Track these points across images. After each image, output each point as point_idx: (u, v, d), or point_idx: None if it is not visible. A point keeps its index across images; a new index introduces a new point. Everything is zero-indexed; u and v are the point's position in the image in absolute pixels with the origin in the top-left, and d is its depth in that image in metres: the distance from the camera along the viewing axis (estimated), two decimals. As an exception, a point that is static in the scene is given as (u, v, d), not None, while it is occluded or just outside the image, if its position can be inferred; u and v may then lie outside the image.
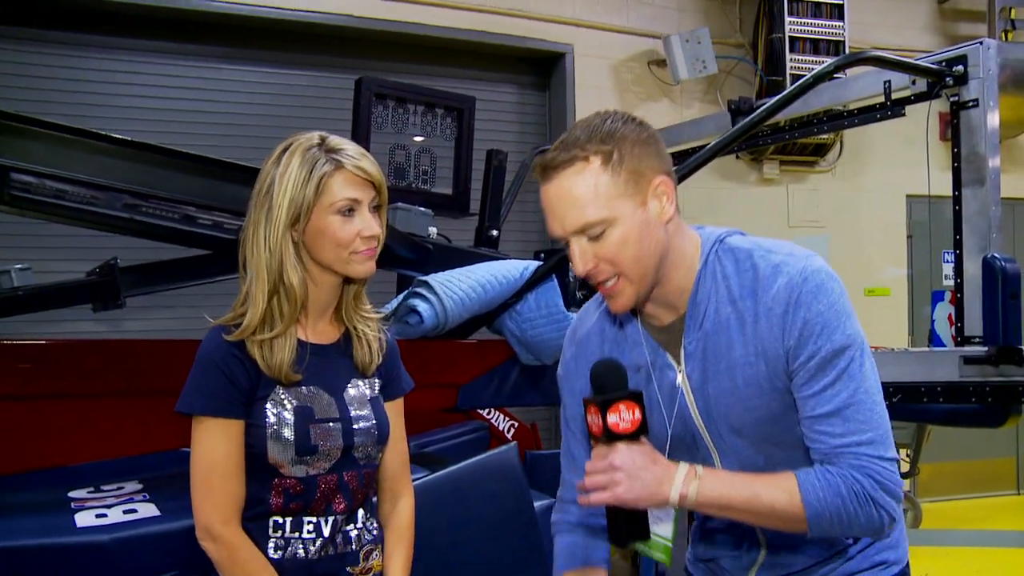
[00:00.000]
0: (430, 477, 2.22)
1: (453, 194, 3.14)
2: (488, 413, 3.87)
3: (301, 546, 1.63)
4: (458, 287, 2.47)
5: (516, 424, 3.76)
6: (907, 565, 1.64)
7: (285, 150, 1.61)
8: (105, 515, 2.17)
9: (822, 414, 1.41)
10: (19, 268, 3.05)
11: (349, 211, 1.60)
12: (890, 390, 2.70)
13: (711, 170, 5.18)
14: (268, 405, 1.59)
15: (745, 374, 1.45)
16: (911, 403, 2.65)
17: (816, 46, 5.91)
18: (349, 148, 1.62)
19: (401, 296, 2.56)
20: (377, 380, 1.73)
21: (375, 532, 1.72)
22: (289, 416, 1.60)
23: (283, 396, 1.61)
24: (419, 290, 2.44)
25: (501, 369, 2.80)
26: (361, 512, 1.69)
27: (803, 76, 5.49)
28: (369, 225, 1.62)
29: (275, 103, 5.17)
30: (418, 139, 3.58)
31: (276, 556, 1.61)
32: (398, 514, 1.78)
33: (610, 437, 1.42)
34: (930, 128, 3.34)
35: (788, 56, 5.80)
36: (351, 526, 1.67)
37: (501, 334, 2.72)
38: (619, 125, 1.44)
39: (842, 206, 6.34)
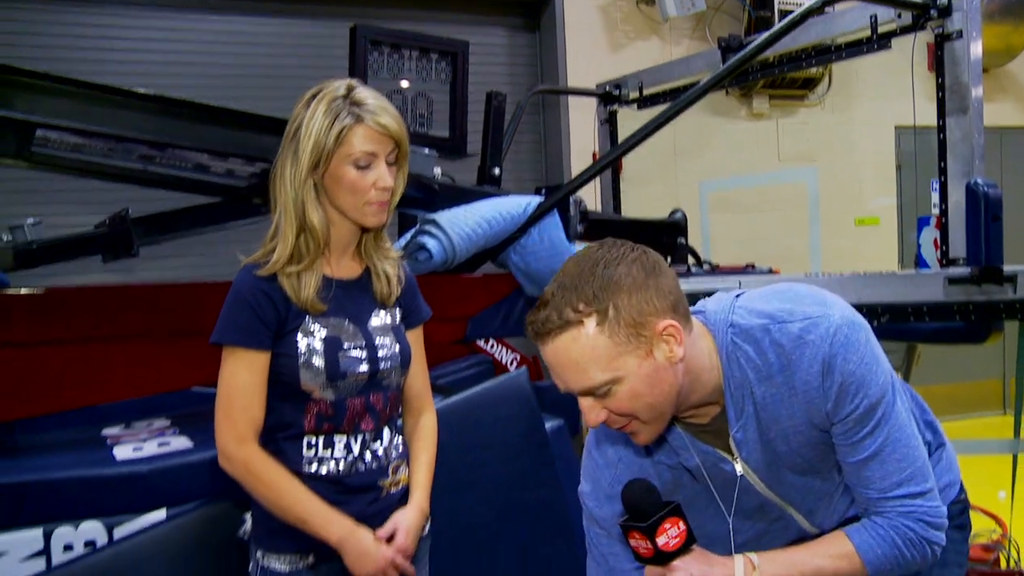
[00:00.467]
0: (446, 402, 2.34)
1: (450, 136, 3.21)
2: (491, 347, 4.02)
3: (333, 462, 1.76)
4: (464, 223, 2.58)
5: (518, 357, 3.90)
6: (961, 480, 1.75)
7: (314, 96, 1.71)
8: (141, 448, 2.30)
9: (862, 460, 1.45)
10: (31, 222, 3.13)
11: (366, 163, 1.71)
12: (878, 311, 2.83)
13: (701, 106, 5.23)
14: (299, 336, 1.72)
15: (799, 440, 1.46)
16: (899, 323, 2.77)
17: (804, -20, 5.95)
18: (371, 103, 1.71)
19: (410, 234, 2.67)
20: (398, 310, 1.86)
21: (401, 449, 1.86)
22: (319, 345, 1.72)
23: (312, 327, 1.73)
24: (427, 227, 2.55)
25: (507, 301, 2.91)
26: (387, 431, 1.83)
27: (791, 11, 5.56)
28: (384, 177, 1.72)
29: (272, 53, 5.23)
30: (414, 84, 3.66)
31: (310, 470, 1.75)
32: (421, 427, 1.92)
33: (662, 558, 1.42)
34: (917, 60, 3.41)
35: (776, -10, 5.83)
36: (378, 444, 1.81)
37: (506, 267, 2.83)
38: (613, 271, 1.34)
39: (832, 139, 6.42)
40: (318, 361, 1.72)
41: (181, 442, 2.33)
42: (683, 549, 1.43)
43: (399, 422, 1.90)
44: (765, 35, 2.74)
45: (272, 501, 1.72)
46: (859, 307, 1.53)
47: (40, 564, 2.05)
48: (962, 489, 1.74)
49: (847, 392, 1.39)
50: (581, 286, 1.34)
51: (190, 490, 2.16)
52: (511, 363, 3.85)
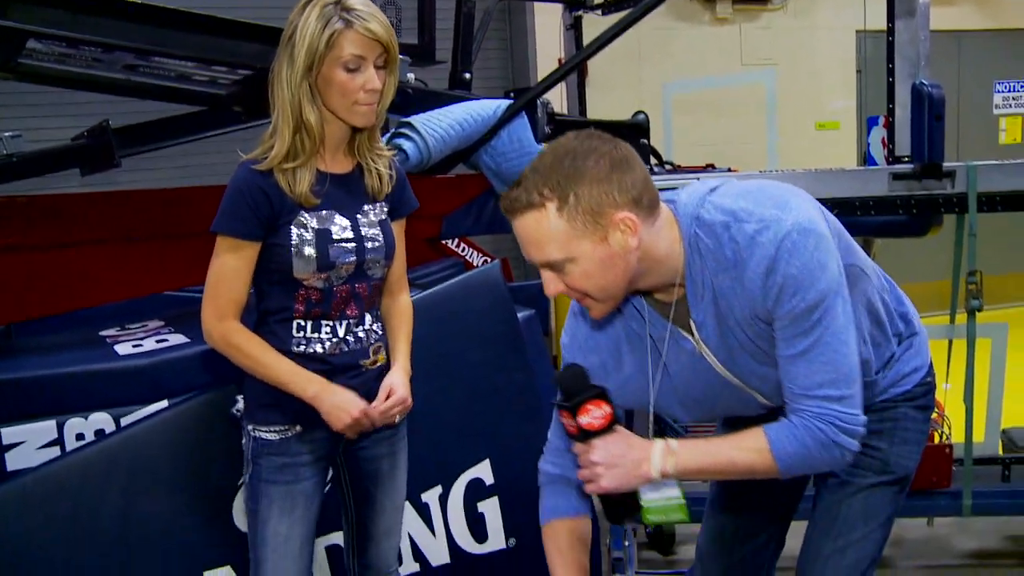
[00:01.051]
0: (422, 294, 2.47)
1: (419, 43, 3.29)
2: (463, 251, 4.19)
3: (319, 344, 1.94)
4: (438, 125, 2.69)
5: (488, 259, 4.08)
6: (931, 363, 1.86)
7: (308, 3, 1.82)
8: (141, 345, 2.45)
9: (791, 356, 1.53)
10: (9, 135, 3.17)
11: (355, 67, 1.83)
12: (829, 205, 3.00)
13: (665, 11, 5.31)
14: (292, 227, 1.87)
15: (752, 331, 1.57)
16: (846, 216, 2.95)
17: None
18: (361, 9, 1.83)
19: (385, 137, 2.79)
20: (386, 205, 2.01)
21: (380, 333, 2.04)
22: (311, 236, 1.87)
23: (305, 220, 1.88)
24: (403, 130, 2.66)
25: (479, 200, 3.04)
26: (368, 317, 2.01)
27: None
28: (372, 80, 1.85)
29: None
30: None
31: (299, 350, 1.93)
32: (398, 304, 2.10)
33: (585, 436, 1.55)
34: None
35: None
36: (360, 328, 1.99)
37: (477, 168, 2.95)
38: (581, 163, 1.46)
39: (794, 43, 6.52)
40: (310, 251, 1.87)
41: (178, 338, 2.48)
42: (606, 430, 1.55)
43: (378, 310, 2.07)
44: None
45: (253, 368, 1.90)
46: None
47: (55, 452, 2.22)
48: (929, 373, 1.85)
49: (785, 292, 1.48)
50: (550, 173, 1.47)
51: (189, 381, 2.32)
52: (481, 264, 4.04)
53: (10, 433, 2.21)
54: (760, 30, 6.49)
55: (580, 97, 4.36)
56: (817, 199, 1.65)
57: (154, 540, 2.20)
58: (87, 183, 3.36)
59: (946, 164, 2.94)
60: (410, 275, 2.77)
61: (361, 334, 1.99)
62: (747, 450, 1.57)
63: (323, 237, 1.89)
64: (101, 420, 2.27)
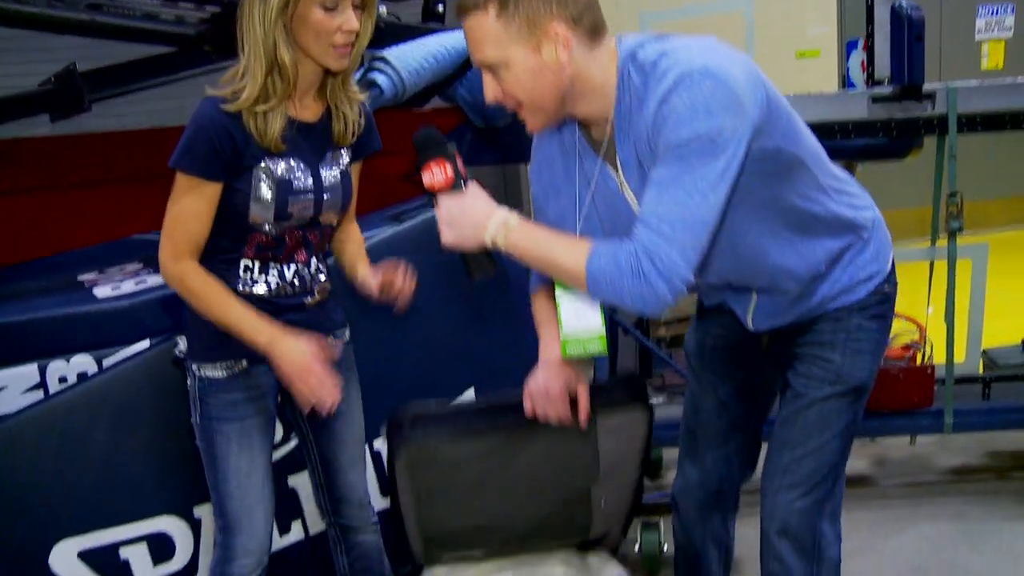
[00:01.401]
0: (400, 228, 2.49)
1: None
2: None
3: (265, 286, 1.93)
4: (412, 59, 2.65)
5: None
6: (892, 269, 1.88)
7: None
8: (119, 287, 2.44)
9: (650, 180, 1.54)
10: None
11: (333, 5, 1.76)
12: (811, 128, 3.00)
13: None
14: (254, 172, 1.82)
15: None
16: (826, 140, 2.94)
17: None
18: None
19: (359, 72, 2.75)
20: (349, 151, 1.98)
21: (324, 274, 2.03)
22: (271, 185, 1.84)
23: (268, 166, 1.83)
24: (377, 64, 2.62)
25: (456, 133, 3.01)
26: (315, 260, 2.00)
27: None
28: (350, 20, 1.79)
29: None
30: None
31: (245, 291, 1.91)
32: (349, 233, 2.11)
33: (431, 194, 1.66)
34: None
35: None
36: (306, 270, 1.98)
37: (453, 102, 2.92)
38: None
39: (772, -31, 6.41)
40: (268, 199, 1.84)
41: (156, 279, 2.46)
42: (452, 189, 1.64)
43: (325, 253, 2.06)
44: None
45: (205, 311, 1.86)
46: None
47: (38, 395, 2.22)
48: (886, 282, 1.86)
49: (668, 122, 1.50)
50: None
51: (168, 321, 2.30)
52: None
53: (-9, 378, 2.20)
54: (736, -45, 6.37)
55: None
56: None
57: (142, 479, 2.22)
58: (57, 128, 3.31)
59: (926, 86, 2.93)
60: (386, 211, 2.75)
61: (307, 276, 1.98)
62: (568, 251, 1.60)
63: (283, 187, 1.85)
64: (83, 363, 2.26)
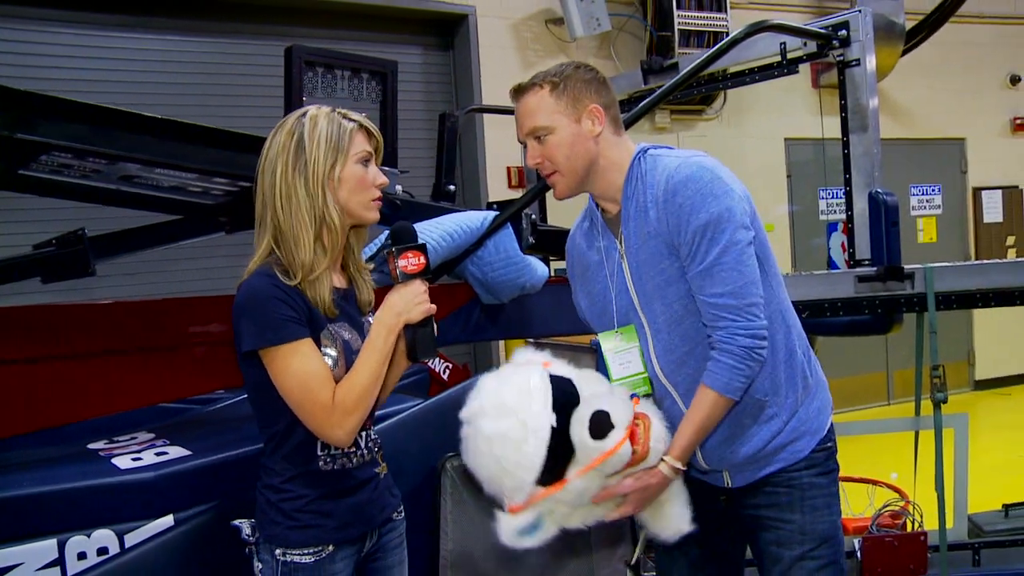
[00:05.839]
0: (422, 404, 2.54)
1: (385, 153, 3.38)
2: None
3: (344, 458, 1.90)
4: (430, 236, 2.75)
5: (451, 366, 4.12)
6: (831, 425, 2.06)
7: (302, 116, 1.86)
8: (140, 458, 2.37)
9: (696, 273, 1.85)
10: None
11: (367, 161, 1.88)
12: (799, 307, 3.16)
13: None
14: (322, 338, 1.83)
15: (649, 247, 1.91)
16: (815, 317, 3.11)
17: (700, 2, 6.34)
18: (355, 115, 1.90)
19: (376, 247, 2.83)
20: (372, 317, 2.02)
21: (376, 436, 2.03)
22: (337, 349, 1.85)
23: (332, 331, 1.86)
24: (395, 241, 2.72)
25: (465, 309, 3.08)
26: (372, 427, 2.01)
27: (689, 31, 5.90)
28: (379, 175, 1.91)
29: (200, 71, 5.31)
30: (347, 103, 3.81)
31: (326, 468, 1.88)
32: None
33: (404, 277, 1.86)
34: (799, 79, 3.71)
35: (676, 12, 6.19)
36: (370, 437, 1.99)
37: (462, 278, 3.01)
38: (571, 69, 1.96)
39: (728, 150, 6.82)
40: (337, 362, 1.84)
41: (177, 451, 2.42)
42: (421, 275, 1.87)
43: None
44: (696, 62, 3.04)
45: (370, 382, 1.83)
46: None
47: (55, 573, 2.12)
48: (828, 438, 2.04)
49: (684, 212, 1.84)
50: (550, 71, 1.97)
51: (195, 495, 2.27)
52: (444, 371, 4.09)
53: (6, 555, 2.10)
54: (696, 138, 6.80)
55: (541, 206, 4.50)
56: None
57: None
58: (50, 289, 3.28)
59: (906, 266, 3.14)
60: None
61: (369, 442, 1.98)
62: (704, 406, 1.90)
63: (347, 349, 1.87)
64: (104, 538, 2.19)
